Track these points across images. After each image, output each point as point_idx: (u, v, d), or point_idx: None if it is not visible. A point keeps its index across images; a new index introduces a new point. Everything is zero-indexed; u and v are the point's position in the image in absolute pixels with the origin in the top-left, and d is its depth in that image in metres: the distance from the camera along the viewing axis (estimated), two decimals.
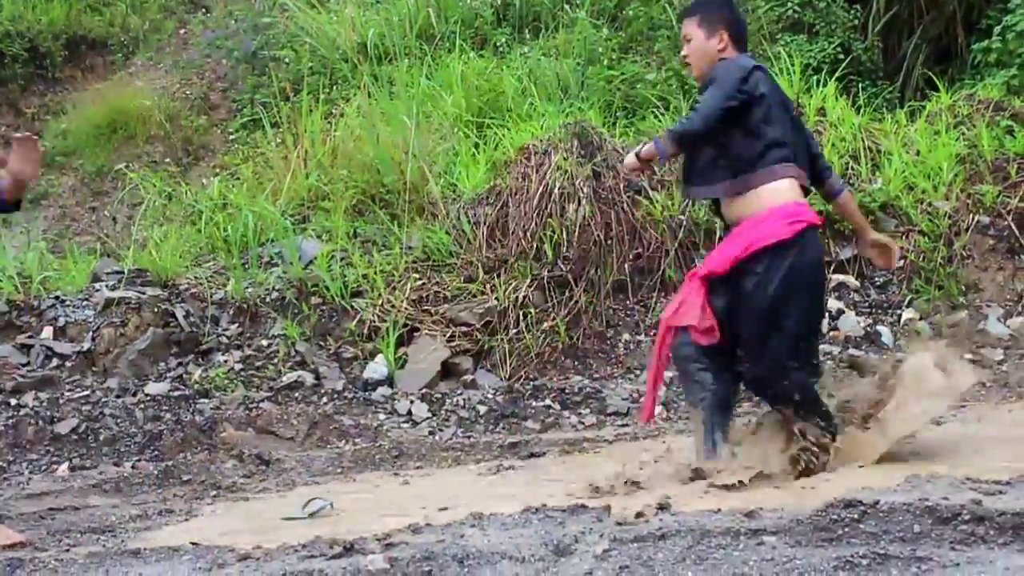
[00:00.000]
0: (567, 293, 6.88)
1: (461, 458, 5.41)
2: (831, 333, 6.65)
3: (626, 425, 5.91)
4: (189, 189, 8.49)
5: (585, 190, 7.04)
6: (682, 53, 4.55)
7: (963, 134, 7.40)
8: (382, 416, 6.09)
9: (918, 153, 7.35)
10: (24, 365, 6.32)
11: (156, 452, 5.62)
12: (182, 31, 11.91)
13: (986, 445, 4.57)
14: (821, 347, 6.18)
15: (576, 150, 7.22)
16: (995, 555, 2.82)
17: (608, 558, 2.95)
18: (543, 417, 6.07)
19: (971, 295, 6.87)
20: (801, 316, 4.25)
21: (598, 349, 6.79)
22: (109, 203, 9.59)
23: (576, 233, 6.96)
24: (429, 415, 6.11)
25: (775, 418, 4.39)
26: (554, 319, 6.76)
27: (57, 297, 6.81)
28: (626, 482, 4.27)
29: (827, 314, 6.57)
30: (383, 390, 6.36)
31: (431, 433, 5.90)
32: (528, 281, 6.83)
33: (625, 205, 7.10)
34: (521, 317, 6.70)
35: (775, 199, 4.23)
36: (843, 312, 6.82)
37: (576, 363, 6.71)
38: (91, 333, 6.53)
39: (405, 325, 6.67)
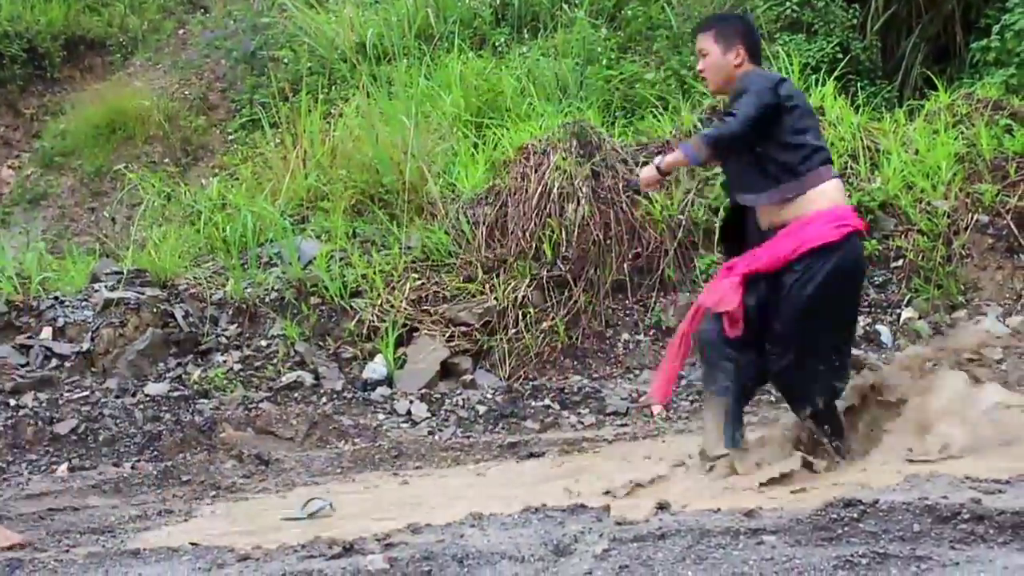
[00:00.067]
0: (566, 293, 6.88)
1: (460, 458, 5.41)
2: None
3: (625, 425, 5.91)
4: (188, 189, 8.49)
5: (584, 190, 7.04)
6: (698, 67, 4.62)
7: (962, 133, 7.40)
8: (381, 416, 6.09)
9: (917, 152, 7.34)
10: (23, 365, 6.32)
11: (155, 452, 5.62)
12: (181, 31, 11.91)
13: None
14: None
15: (575, 150, 7.22)
16: (994, 554, 2.82)
17: (608, 558, 2.95)
18: (542, 417, 6.07)
19: (970, 294, 6.87)
20: (835, 319, 4.32)
21: (597, 349, 6.79)
22: (108, 203, 9.59)
23: (575, 233, 6.96)
24: (428, 415, 6.11)
25: (780, 430, 4.43)
26: (553, 319, 6.76)
27: (56, 297, 6.81)
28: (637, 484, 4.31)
29: None
30: (382, 390, 6.36)
31: (430, 433, 5.90)
32: (527, 281, 6.83)
33: (624, 205, 7.10)
34: (520, 317, 6.70)
35: (823, 202, 4.30)
36: None
37: (575, 363, 6.71)
38: (90, 333, 6.53)
39: (404, 325, 6.67)
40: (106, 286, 6.92)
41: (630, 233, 7.06)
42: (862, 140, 7.47)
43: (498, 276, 6.88)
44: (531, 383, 6.44)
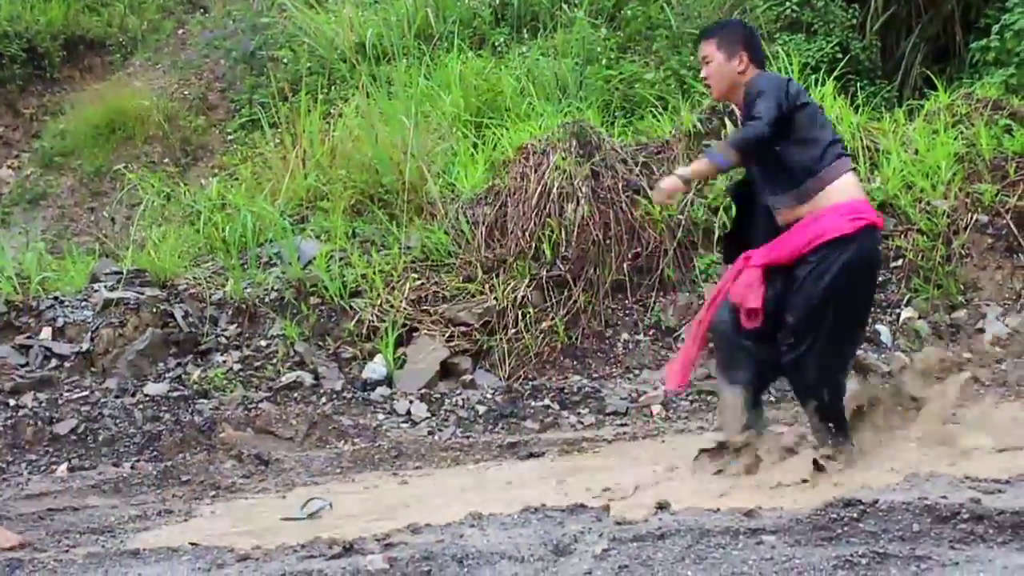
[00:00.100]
0: (566, 293, 6.88)
1: (460, 458, 5.41)
2: None
3: (625, 425, 5.91)
4: (188, 189, 8.48)
5: (584, 190, 7.04)
6: (702, 74, 4.71)
7: (961, 133, 7.40)
8: (381, 416, 6.09)
9: (916, 152, 7.34)
10: (23, 366, 6.32)
11: (155, 452, 5.62)
12: (180, 31, 11.91)
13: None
14: None
15: (574, 150, 7.21)
16: (994, 554, 2.82)
17: (607, 558, 2.95)
18: (542, 417, 6.07)
19: (970, 294, 6.87)
20: (848, 312, 4.36)
21: (597, 349, 6.79)
22: (108, 203, 9.59)
23: (575, 233, 6.96)
24: (428, 415, 6.11)
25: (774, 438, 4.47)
26: (553, 319, 6.75)
27: (56, 298, 6.80)
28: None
29: None
30: (382, 390, 6.35)
31: (430, 433, 5.90)
32: (527, 281, 6.83)
33: (624, 205, 7.10)
34: (520, 317, 6.70)
35: (840, 195, 4.36)
36: None
37: (575, 363, 6.70)
38: (90, 333, 6.53)
39: (404, 325, 6.66)
40: (106, 286, 6.91)
41: (630, 233, 7.06)
42: (862, 140, 7.47)
43: (498, 276, 6.88)
44: (531, 383, 6.44)
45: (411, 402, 6.21)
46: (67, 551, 3.85)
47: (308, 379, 6.37)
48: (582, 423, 6.00)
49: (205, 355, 6.56)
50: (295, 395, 6.24)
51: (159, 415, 5.90)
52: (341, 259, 7.03)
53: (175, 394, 6.16)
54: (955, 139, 7.30)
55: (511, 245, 6.98)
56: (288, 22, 10.34)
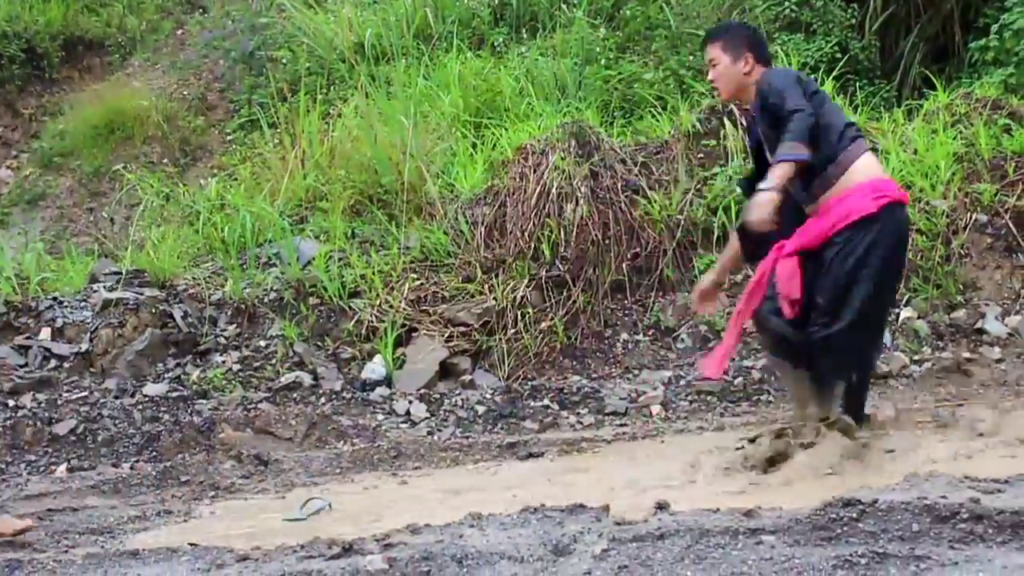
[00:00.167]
0: (565, 293, 6.88)
1: (459, 458, 5.41)
2: None
3: (624, 425, 5.91)
4: (187, 190, 8.48)
5: (583, 190, 7.04)
6: (709, 77, 4.79)
7: (960, 133, 7.39)
8: (380, 416, 6.09)
9: (915, 152, 7.34)
10: (22, 366, 6.32)
11: (154, 453, 5.62)
12: (179, 32, 11.91)
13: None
14: None
15: (574, 150, 7.21)
16: (993, 553, 2.82)
17: (607, 558, 2.95)
18: (541, 417, 6.07)
19: (969, 293, 6.86)
20: (874, 290, 4.41)
21: (596, 349, 6.79)
22: (107, 204, 9.59)
23: (574, 233, 6.96)
24: (427, 415, 6.11)
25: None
26: (552, 319, 6.75)
27: (55, 298, 6.80)
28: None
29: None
30: (381, 390, 6.35)
31: (429, 433, 5.90)
32: (526, 281, 6.83)
33: (623, 205, 7.10)
34: (519, 317, 6.70)
35: (861, 176, 4.44)
36: None
37: (574, 363, 6.70)
38: (89, 334, 6.53)
39: (403, 325, 6.66)
40: (105, 286, 6.91)
41: (629, 233, 7.06)
42: None
43: (497, 276, 6.88)
44: (530, 383, 6.44)
45: (410, 402, 6.21)
46: (66, 551, 3.85)
47: (307, 379, 6.37)
48: (581, 423, 6.00)
49: (204, 355, 6.56)
50: (294, 395, 6.24)
51: (158, 415, 5.90)
52: (340, 259, 7.03)
53: (174, 394, 6.16)
54: (954, 139, 7.30)
55: (510, 245, 6.98)
56: (287, 22, 10.34)
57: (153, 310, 6.64)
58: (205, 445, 5.65)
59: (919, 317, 6.70)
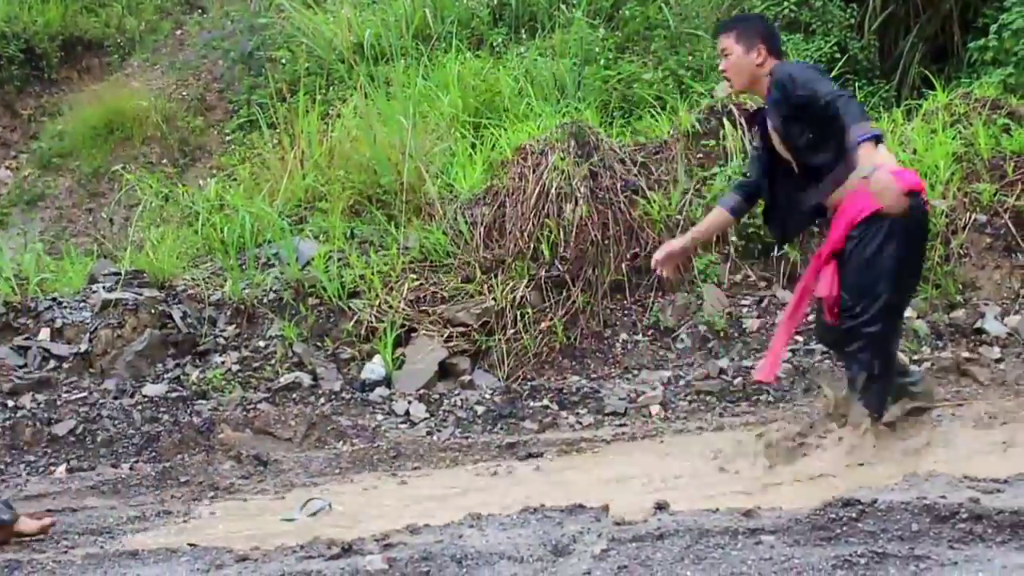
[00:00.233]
0: (564, 293, 6.88)
1: (459, 458, 5.41)
2: None
3: (624, 425, 5.91)
4: (186, 190, 8.48)
5: (582, 190, 7.04)
6: (721, 67, 4.79)
7: (960, 132, 7.40)
8: (380, 417, 6.09)
9: (915, 152, 7.34)
10: (21, 367, 6.31)
11: (154, 453, 5.62)
12: (178, 32, 11.90)
13: None
14: (817, 347, 6.19)
15: (573, 150, 7.21)
16: (993, 553, 2.82)
17: (606, 558, 2.95)
18: (541, 417, 6.07)
19: (968, 293, 6.86)
20: (894, 281, 4.42)
21: (595, 349, 6.79)
22: (106, 204, 9.58)
23: (573, 233, 6.95)
24: (427, 415, 6.11)
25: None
26: (551, 319, 6.75)
27: (54, 299, 6.80)
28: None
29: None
30: (381, 391, 6.35)
31: (429, 433, 5.90)
32: (525, 281, 6.83)
33: (622, 205, 7.10)
34: (518, 317, 6.70)
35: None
36: None
37: (574, 363, 6.70)
38: (88, 335, 6.52)
39: (403, 326, 6.66)
40: (104, 287, 6.91)
41: (628, 233, 7.06)
42: None
43: (496, 276, 6.87)
44: (529, 383, 6.44)
45: (410, 402, 6.21)
46: (66, 552, 3.85)
47: (307, 380, 6.37)
48: (581, 423, 6.00)
49: (204, 356, 6.56)
50: (294, 396, 6.24)
51: (158, 416, 5.90)
52: (339, 260, 7.03)
53: (174, 395, 6.16)
54: (953, 139, 7.30)
55: (509, 245, 6.98)
56: (286, 22, 10.33)
57: (152, 311, 6.64)
58: (204, 446, 5.65)
59: (918, 317, 6.70)
